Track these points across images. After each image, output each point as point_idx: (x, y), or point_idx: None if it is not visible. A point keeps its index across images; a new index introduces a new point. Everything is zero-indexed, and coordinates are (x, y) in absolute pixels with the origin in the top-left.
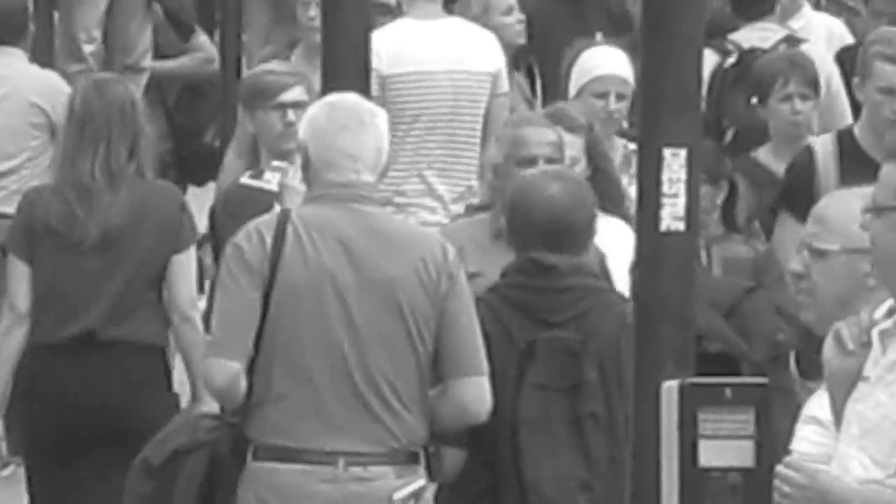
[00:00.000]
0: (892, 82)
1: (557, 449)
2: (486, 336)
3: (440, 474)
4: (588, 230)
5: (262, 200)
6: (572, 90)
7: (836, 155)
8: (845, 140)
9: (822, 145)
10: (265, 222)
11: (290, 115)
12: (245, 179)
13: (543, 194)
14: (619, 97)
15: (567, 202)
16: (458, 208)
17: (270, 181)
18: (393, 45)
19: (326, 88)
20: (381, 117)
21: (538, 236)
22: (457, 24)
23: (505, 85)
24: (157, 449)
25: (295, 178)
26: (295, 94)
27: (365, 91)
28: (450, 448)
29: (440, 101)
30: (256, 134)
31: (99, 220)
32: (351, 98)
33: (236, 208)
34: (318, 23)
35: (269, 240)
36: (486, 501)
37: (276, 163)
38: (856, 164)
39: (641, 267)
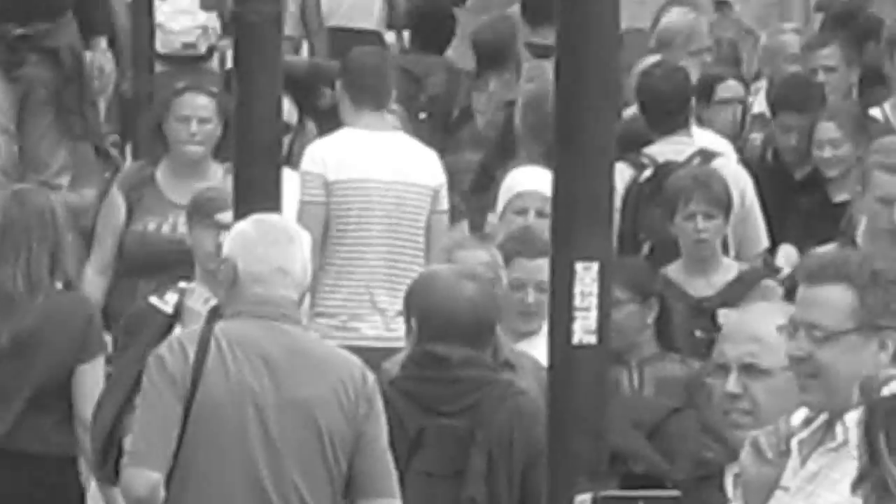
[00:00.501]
0: (890, 192)
1: None
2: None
3: None
4: (492, 327)
5: (160, 320)
6: (498, 208)
7: None
8: None
9: None
10: (187, 335)
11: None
12: (151, 298)
13: (460, 292)
14: (539, 214)
15: (480, 300)
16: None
17: (168, 302)
18: (337, 153)
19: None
20: (306, 237)
21: (436, 329)
22: (400, 137)
23: (445, 202)
24: None
25: (198, 300)
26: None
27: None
28: None
29: (383, 210)
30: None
31: (11, 327)
32: (277, 216)
33: (135, 326)
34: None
35: (191, 353)
36: None
37: (181, 284)
38: None
39: (553, 379)
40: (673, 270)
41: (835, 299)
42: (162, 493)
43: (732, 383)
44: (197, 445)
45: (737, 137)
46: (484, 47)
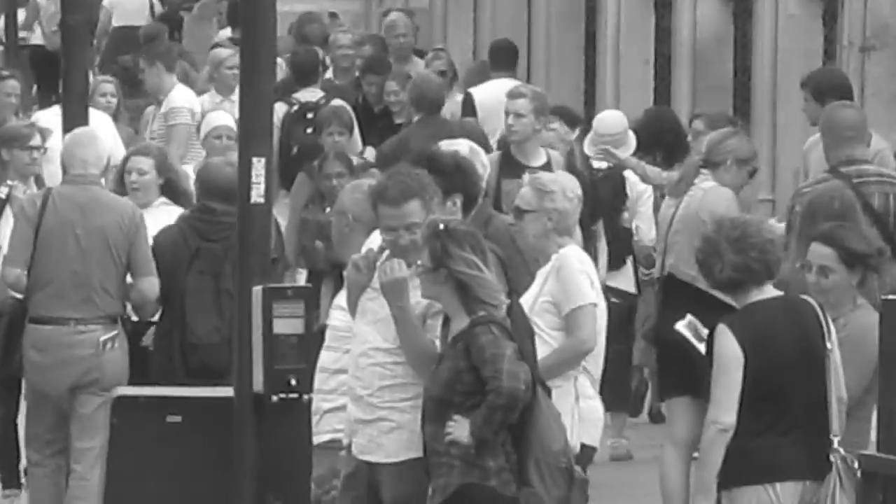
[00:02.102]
0: None
1: (207, 308)
2: (175, 244)
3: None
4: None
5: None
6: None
7: None
8: None
9: None
10: (37, 194)
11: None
12: None
13: (222, 171)
14: (228, 138)
15: (233, 175)
16: None
17: (1, 192)
18: None
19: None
20: (102, 139)
21: (208, 191)
22: None
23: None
24: None
25: (20, 190)
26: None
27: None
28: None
29: None
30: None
31: None
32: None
33: None
34: None
35: (38, 203)
36: (165, 332)
37: (9, 182)
38: None
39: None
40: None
41: None
42: (24, 279)
43: None
44: (41, 253)
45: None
46: None
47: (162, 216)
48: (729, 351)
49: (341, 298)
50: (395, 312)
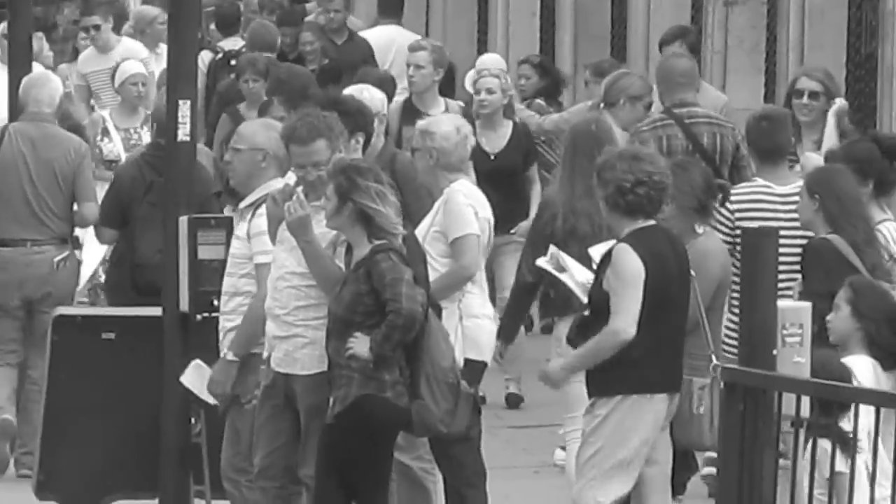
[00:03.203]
0: None
1: (154, 234)
2: (133, 178)
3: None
4: None
5: None
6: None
7: None
8: None
9: None
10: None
11: None
12: None
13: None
14: (143, 84)
15: None
16: None
17: None
18: None
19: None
20: (55, 81)
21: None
22: None
23: None
24: None
25: None
26: None
27: None
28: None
29: None
30: None
31: None
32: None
33: None
34: None
35: None
36: (120, 254)
37: None
38: None
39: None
40: (242, 108)
41: None
42: None
43: None
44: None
45: None
46: None
47: None
48: (631, 266)
49: (240, 229)
50: (302, 246)
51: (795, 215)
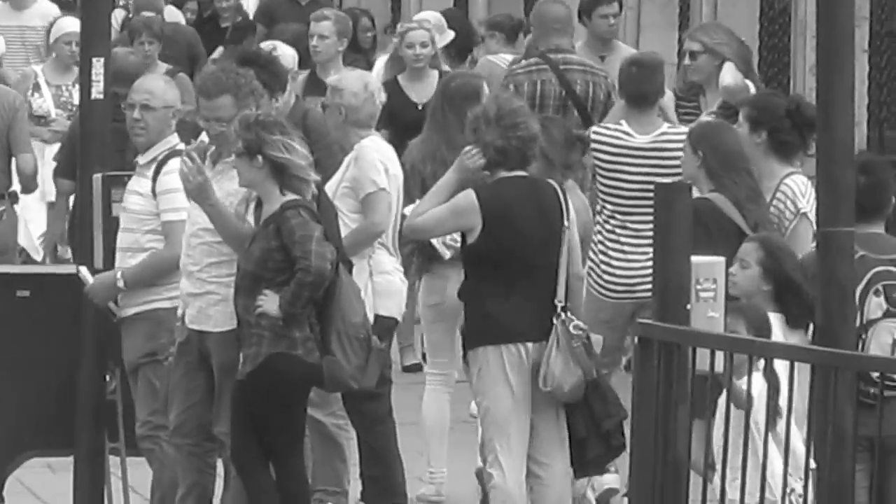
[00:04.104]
0: None
1: None
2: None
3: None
4: None
5: None
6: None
7: None
8: None
9: None
10: None
11: None
12: None
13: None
14: (77, 45)
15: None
16: None
17: None
18: None
19: None
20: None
21: (120, 80)
22: None
23: None
24: None
25: None
26: None
27: None
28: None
29: None
30: None
31: None
32: None
33: None
34: None
35: None
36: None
37: None
38: None
39: None
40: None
41: None
42: None
43: None
44: None
45: None
46: None
47: None
48: (465, 202)
49: (141, 185)
50: (206, 210)
51: (652, 164)
